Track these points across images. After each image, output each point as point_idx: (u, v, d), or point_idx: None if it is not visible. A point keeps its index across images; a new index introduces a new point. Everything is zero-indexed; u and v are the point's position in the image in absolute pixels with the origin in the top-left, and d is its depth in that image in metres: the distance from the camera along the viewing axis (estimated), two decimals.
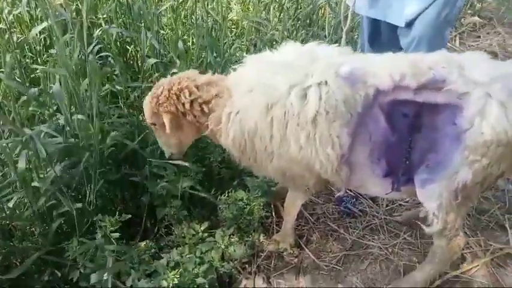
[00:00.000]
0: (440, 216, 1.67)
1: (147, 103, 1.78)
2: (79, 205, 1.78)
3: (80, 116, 1.71)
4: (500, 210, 2.45)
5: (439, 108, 1.52)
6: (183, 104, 1.73)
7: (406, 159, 1.65)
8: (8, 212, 1.74)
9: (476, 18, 4.88)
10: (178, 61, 2.22)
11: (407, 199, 2.54)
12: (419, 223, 1.82)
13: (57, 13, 2.00)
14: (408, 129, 1.60)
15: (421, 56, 1.62)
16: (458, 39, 4.56)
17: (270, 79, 1.66)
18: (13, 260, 1.80)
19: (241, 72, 1.79)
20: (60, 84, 1.78)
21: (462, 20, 4.84)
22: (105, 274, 1.65)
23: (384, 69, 1.57)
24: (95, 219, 1.80)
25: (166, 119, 1.73)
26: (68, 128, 1.77)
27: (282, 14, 3.32)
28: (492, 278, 2.06)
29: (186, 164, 2.10)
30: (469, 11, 4.98)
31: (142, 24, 2.49)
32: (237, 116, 1.71)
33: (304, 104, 1.59)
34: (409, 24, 2.38)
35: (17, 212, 1.85)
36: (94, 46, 2.06)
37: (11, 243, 1.76)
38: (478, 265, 2.11)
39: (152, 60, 2.18)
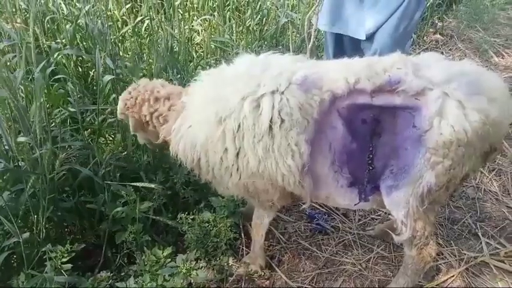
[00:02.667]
0: (409, 224, 1.62)
1: (121, 101, 1.88)
2: (26, 235, 1.64)
3: (21, 139, 1.60)
4: (472, 218, 2.43)
5: (398, 111, 1.49)
6: (145, 116, 1.82)
7: (369, 167, 1.61)
8: None
9: (438, 35, 5.05)
10: (135, 80, 2.14)
11: (379, 212, 2.49)
12: (390, 232, 1.75)
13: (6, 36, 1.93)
14: (368, 135, 1.56)
15: (376, 59, 1.60)
16: None
17: (221, 91, 1.62)
18: None
19: (195, 87, 1.77)
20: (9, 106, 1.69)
21: (425, 37, 5.00)
22: None
23: (339, 73, 1.54)
24: (44, 249, 1.66)
25: (130, 122, 1.88)
26: (10, 153, 1.65)
27: (247, 36, 3.34)
28: None
29: (152, 185, 2.00)
30: (430, 29, 5.15)
31: (102, 48, 2.44)
32: (189, 129, 1.69)
33: (258, 114, 1.54)
34: (370, 38, 2.41)
35: None
36: (48, 68, 1.98)
37: None
38: (453, 275, 2.05)
39: (108, 77, 2.11)
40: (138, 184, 1.88)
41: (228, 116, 1.57)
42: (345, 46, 2.66)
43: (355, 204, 1.74)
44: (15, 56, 1.95)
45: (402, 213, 1.62)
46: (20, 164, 1.66)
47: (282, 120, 1.52)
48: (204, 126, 1.64)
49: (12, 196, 1.66)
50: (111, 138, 2.61)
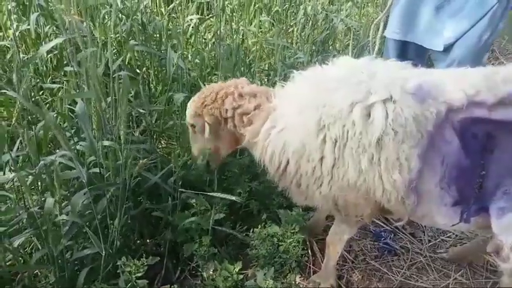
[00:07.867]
0: None
1: (193, 102, 1.73)
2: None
3: (106, 143, 1.46)
4: None
5: None
6: (226, 111, 1.67)
7: (479, 186, 1.47)
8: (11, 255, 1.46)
9: None
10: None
11: (449, 234, 2.34)
12: (492, 255, 1.60)
13: (74, 29, 1.80)
14: (479, 150, 1.43)
15: (494, 70, 1.48)
16: None
17: (324, 96, 1.48)
18: None
19: (289, 89, 1.64)
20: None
21: None
22: None
23: (455, 83, 1.42)
24: (118, 263, 1.51)
25: (207, 121, 1.69)
26: (92, 157, 1.51)
27: (299, 39, 3.22)
28: None
29: (233, 198, 1.77)
30: None
31: (169, 45, 2.33)
32: (281, 133, 1.56)
33: (369, 123, 1.40)
34: (447, 49, 2.27)
35: (23, 253, 1.57)
36: (117, 64, 1.84)
37: None
38: None
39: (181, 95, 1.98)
40: (215, 194, 1.73)
41: (332, 123, 1.44)
42: (409, 54, 2.52)
43: (452, 225, 1.60)
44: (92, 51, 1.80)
45: None
46: (101, 172, 1.51)
47: (395, 132, 1.38)
48: (301, 131, 1.50)
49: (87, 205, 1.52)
50: (164, 141, 2.49)
